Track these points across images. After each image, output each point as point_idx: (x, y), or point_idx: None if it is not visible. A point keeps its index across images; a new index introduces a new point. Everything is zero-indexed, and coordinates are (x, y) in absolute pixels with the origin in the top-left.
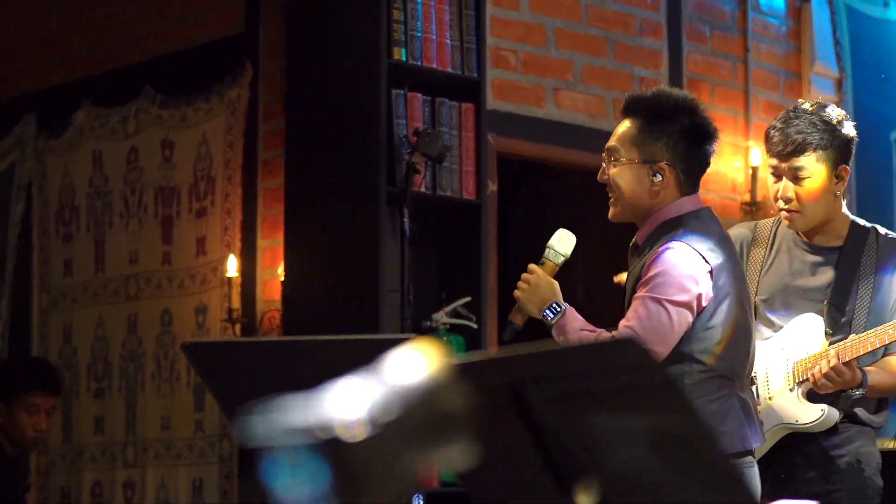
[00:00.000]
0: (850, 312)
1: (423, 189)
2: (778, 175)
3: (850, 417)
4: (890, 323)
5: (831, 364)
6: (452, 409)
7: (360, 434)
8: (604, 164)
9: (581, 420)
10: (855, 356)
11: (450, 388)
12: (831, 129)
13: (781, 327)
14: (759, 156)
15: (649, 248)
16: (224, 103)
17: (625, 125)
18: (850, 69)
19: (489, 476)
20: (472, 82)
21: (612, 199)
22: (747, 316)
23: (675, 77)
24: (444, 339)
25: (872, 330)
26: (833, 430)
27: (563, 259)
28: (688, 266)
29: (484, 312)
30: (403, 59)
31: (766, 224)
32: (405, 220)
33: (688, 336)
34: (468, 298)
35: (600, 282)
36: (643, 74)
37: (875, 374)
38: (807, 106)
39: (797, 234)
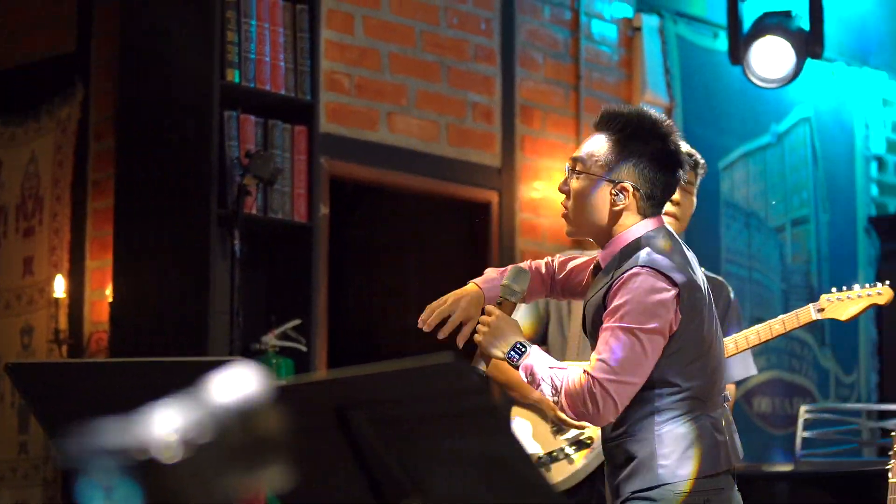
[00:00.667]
0: None
1: (254, 211)
2: (686, 190)
3: None
4: (740, 333)
5: None
6: (272, 431)
7: (176, 455)
8: (566, 175)
9: (404, 443)
10: None
11: (270, 410)
12: None
13: None
14: None
15: (611, 273)
16: (54, 122)
17: (596, 139)
18: (679, 98)
19: (313, 498)
20: (306, 105)
21: (564, 213)
22: (713, 331)
23: (508, 103)
24: (273, 361)
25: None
26: None
27: (520, 296)
28: (656, 291)
29: (314, 335)
30: (236, 80)
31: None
32: (236, 242)
33: (658, 360)
34: (298, 321)
35: None
36: (476, 100)
37: None
38: None
39: None
